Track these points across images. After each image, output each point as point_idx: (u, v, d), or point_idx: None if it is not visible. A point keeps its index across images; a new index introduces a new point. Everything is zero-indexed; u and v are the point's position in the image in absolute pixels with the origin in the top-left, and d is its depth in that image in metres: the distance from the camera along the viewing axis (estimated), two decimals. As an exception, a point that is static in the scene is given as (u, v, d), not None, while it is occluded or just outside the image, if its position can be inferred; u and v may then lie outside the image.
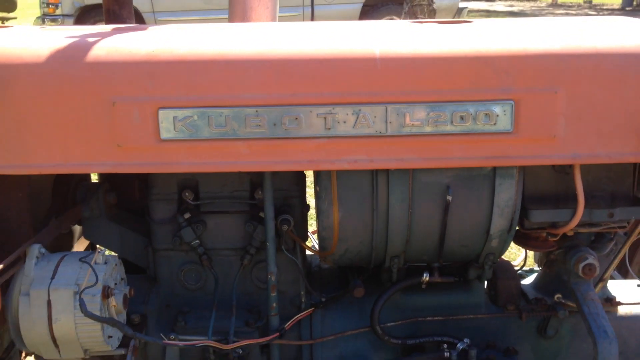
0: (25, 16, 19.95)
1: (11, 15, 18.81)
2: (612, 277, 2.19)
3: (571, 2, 28.72)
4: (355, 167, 1.56)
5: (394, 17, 13.69)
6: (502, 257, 2.14)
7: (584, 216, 1.67)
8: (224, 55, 1.54)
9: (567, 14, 24.22)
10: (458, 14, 12.51)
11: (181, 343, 1.62)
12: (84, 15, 13.04)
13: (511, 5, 28.40)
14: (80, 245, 2.09)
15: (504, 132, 1.53)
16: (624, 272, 2.31)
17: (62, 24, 12.75)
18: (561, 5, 28.17)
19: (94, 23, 12.66)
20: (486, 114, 1.52)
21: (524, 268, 2.11)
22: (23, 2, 20.76)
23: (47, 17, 13.33)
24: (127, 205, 1.99)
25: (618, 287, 2.00)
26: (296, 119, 1.52)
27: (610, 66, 1.51)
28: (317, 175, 1.66)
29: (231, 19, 2.25)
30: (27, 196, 1.70)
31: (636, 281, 2.12)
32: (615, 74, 1.51)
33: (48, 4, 13.37)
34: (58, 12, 13.29)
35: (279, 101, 1.52)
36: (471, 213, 1.66)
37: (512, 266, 1.98)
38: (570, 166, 1.63)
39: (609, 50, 1.52)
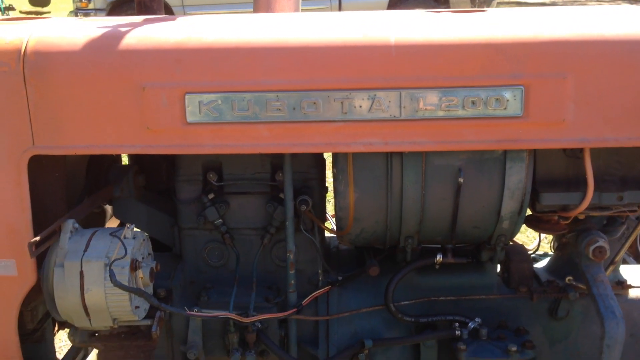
0: (58, 10, 20.29)
1: (45, 10, 19.20)
2: (625, 262, 2.23)
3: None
4: (371, 150, 1.64)
5: (421, 7, 13.64)
6: (517, 241, 2.21)
7: (594, 199, 1.72)
8: (246, 43, 1.62)
9: (599, 4, 23.84)
10: (487, 4, 12.42)
11: (204, 315, 1.72)
12: (115, 9, 13.27)
13: (544, -5, 28.06)
14: (112, 224, 2.20)
15: (514, 116, 1.59)
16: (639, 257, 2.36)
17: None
18: (594, -4, 27.73)
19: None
20: (497, 99, 1.58)
21: (538, 252, 2.16)
22: (58, -3, 21.13)
23: (80, 11, 13.60)
24: (155, 186, 2.09)
25: (630, 271, 2.04)
26: (314, 103, 1.60)
27: (618, 52, 1.56)
28: (335, 157, 1.74)
29: (256, 10, 2.33)
30: (64, 176, 1.81)
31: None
32: (624, 60, 1.56)
33: (81, -1, 13.57)
34: (90, 6, 13.54)
35: (298, 87, 1.60)
36: (482, 195, 1.73)
37: (525, 249, 2.04)
38: (581, 150, 1.68)
39: (618, 37, 1.57)
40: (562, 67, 1.57)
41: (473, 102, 1.58)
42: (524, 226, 1.89)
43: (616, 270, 2.00)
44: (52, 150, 1.66)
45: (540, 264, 2.10)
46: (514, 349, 1.78)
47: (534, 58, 1.57)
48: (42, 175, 1.74)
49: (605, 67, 1.56)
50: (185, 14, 12.66)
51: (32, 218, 1.68)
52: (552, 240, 2.07)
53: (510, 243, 2.11)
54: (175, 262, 1.95)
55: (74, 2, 14.10)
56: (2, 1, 17.99)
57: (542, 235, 2.23)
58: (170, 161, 1.94)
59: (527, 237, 3.67)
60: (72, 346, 2.10)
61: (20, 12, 20.06)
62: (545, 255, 2.18)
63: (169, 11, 12.56)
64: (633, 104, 1.57)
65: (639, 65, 1.56)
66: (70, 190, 1.85)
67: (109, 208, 2.15)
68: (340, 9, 13.26)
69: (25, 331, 1.86)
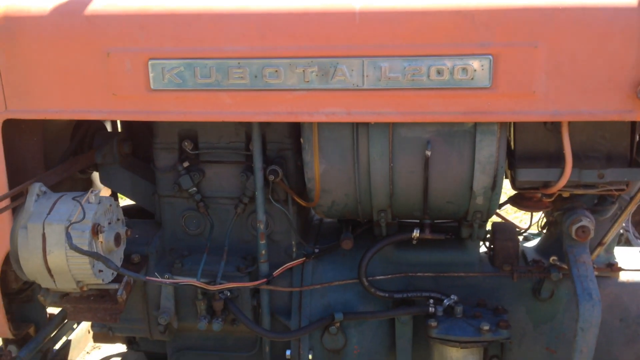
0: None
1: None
2: (629, 243, 2.12)
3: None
4: (333, 119, 1.60)
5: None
6: (512, 220, 2.12)
7: (573, 176, 1.63)
8: (209, 10, 1.60)
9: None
10: None
11: (167, 281, 1.73)
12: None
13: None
14: (103, 192, 2.24)
15: (482, 87, 1.52)
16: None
17: None
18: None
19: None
20: (464, 69, 1.51)
21: (532, 231, 2.07)
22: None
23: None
24: (144, 154, 2.10)
25: (625, 253, 1.93)
26: (276, 71, 1.57)
27: (593, 20, 1.46)
28: (302, 127, 1.70)
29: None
30: (41, 140, 1.85)
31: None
32: (599, 29, 1.46)
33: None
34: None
35: (259, 54, 1.57)
36: (452, 169, 1.66)
37: (513, 228, 1.96)
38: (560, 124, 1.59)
39: (593, 4, 1.46)
40: (533, 36, 1.48)
41: (438, 72, 1.52)
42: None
43: (609, 252, 1.90)
44: (24, 114, 1.69)
45: (532, 244, 2.02)
46: (487, 327, 1.72)
47: (503, 26, 1.49)
48: (18, 139, 1.78)
49: (580, 36, 1.46)
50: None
51: (9, 181, 1.73)
52: (540, 219, 1.98)
53: (501, 220, 2.05)
54: (156, 230, 1.97)
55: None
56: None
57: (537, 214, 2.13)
58: (149, 128, 1.95)
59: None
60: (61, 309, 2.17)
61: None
62: (539, 234, 2.09)
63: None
64: (610, 75, 1.47)
65: (617, 34, 1.45)
66: (51, 154, 1.89)
67: (96, 176, 2.19)
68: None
69: (9, 291, 1.93)
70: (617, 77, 1.47)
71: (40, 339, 2.02)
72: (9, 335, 1.95)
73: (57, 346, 2.23)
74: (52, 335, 2.14)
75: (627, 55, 1.45)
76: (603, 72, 1.47)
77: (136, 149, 2.07)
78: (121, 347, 2.34)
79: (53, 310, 2.16)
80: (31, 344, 1.98)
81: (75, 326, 2.37)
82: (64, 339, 2.27)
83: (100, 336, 2.35)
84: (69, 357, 2.25)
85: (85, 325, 2.37)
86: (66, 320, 2.23)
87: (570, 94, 1.50)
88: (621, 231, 2.22)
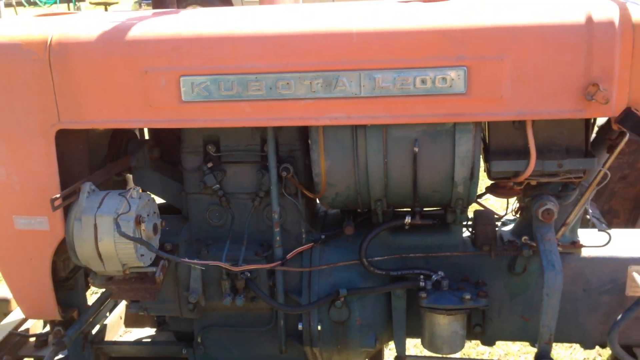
0: (126, 1, 21.10)
1: (112, 0, 20.03)
2: (594, 225, 2.42)
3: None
4: (336, 123, 1.91)
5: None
6: (492, 208, 2.44)
7: (537, 166, 1.95)
8: (230, 34, 1.91)
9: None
10: None
11: (198, 262, 2.04)
12: (178, -3, 13.64)
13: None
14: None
15: (459, 93, 1.83)
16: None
17: (157, 6, 13.48)
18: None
19: (186, 6, 13.39)
20: (443, 78, 1.82)
21: (508, 217, 2.38)
22: (123, -13, 21.94)
23: (144, 1, 14.19)
24: (170, 158, 2.41)
25: (587, 234, 2.24)
26: (287, 84, 1.88)
27: (549, 36, 1.78)
28: (309, 130, 2.02)
29: (261, 1, 2.62)
30: (86, 147, 2.16)
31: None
32: (554, 43, 1.78)
33: (145, -11, 14.10)
34: (153, -5, 13.90)
35: (274, 70, 1.88)
36: (437, 163, 1.98)
37: (492, 214, 2.27)
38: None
39: (548, 23, 1.78)
40: (499, 50, 1.80)
41: (423, 81, 1.83)
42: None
43: (573, 232, 2.21)
44: (74, 125, 2.00)
45: (508, 227, 2.33)
46: (468, 297, 2.03)
47: (475, 43, 1.81)
48: (68, 147, 2.08)
49: (538, 50, 1.78)
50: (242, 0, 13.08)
51: (60, 182, 2.03)
52: (514, 205, 2.30)
53: (482, 208, 2.36)
54: (183, 223, 2.27)
55: (137, -8, 14.64)
56: (72, -8, 18.83)
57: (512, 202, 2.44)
58: (178, 136, 2.26)
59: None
60: (100, 295, 2.47)
61: (90, 2, 20.92)
62: (514, 220, 2.40)
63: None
64: (563, 81, 1.79)
65: (569, 48, 1.77)
66: (93, 159, 2.20)
67: (130, 177, 2.49)
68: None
69: (58, 278, 2.23)
70: (569, 83, 1.79)
71: (82, 321, 2.32)
72: (58, 318, 2.25)
73: (95, 330, 2.53)
74: (91, 319, 2.44)
75: (577, 65, 1.77)
76: (558, 79, 1.79)
77: (164, 154, 2.37)
78: (150, 331, 2.63)
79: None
80: (76, 325, 2.27)
81: (108, 314, 2.67)
82: (100, 323, 2.57)
83: (132, 320, 2.66)
84: (105, 339, 2.55)
85: (118, 312, 2.67)
86: (103, 307, 2.54)
87: (532, 97, 1.82)
88: (588, 217, 2.53)
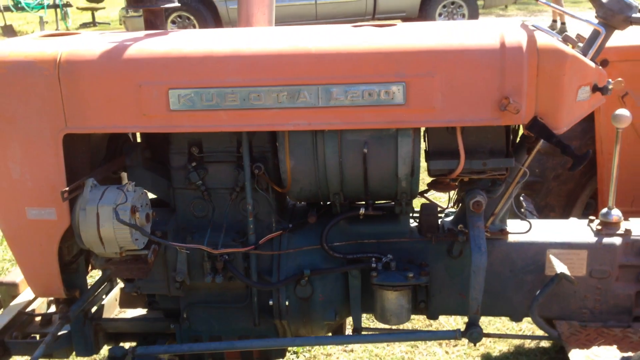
0: (112, 6, 21.40)
1: (100, 5, 20.36)
2: (524, 215, 2.82)
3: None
4: (298, 129, 2.29)
5: (452, 5, 14.21)
6: (437, 202, 2.82)
7: (466, 165, 2.34)
8: (210, 53, 2.29)
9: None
10: None
11: (182, 245, 2.41)
12: (164, 5, 13.98)
13: None
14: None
15: (399, 104, 2.21)
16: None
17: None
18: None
19: (170, 14, 13.76)
20: (386, 92, 2.21)
21: (451, 210, 2.77)
22: (111, -7, 22.22)
23: (131, 7, 14.46)
24: (159, 158, 2.77)
25: (515, 223, 2.64)
26: (258, 95, 2.25)
27: (471, 58, 2.17)
28: (277, 135, 2.40)
29: (239, 24, 3.01)
30: (89, 149, 2.53)
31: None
32: (475, 64, 2.17)
33: (132, -5, 14.32)
34: (141, 2, 14.21)
35: (247, 84, 2.25)
36: (383, 162, 2.36)
37: (435, 207, 2.65)
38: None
39: (471, 47, 2.18)
40: (431, 69, 2.18)
41: (370, 94, 2.21)
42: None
43: (502, 221, 2.59)
44: (78, 130, 2.36)
45: (449, 218, 2.71)
46: (411, 275, 2.41)
47: (411, 62, 2.19)
48: (73, 149, 2.44)
49: (462, 69, 2.17)
50: (227, 8, 13.48)
51: (66, 178, 2.40)
52: (452, 198, 2.69)
53: (427, 201, 2.75)
54: (171, 214, 2.64)
55: (125, -1, 14.91)
56: (60, -2, 19.09)
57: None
58: (167, 139, 2.63)
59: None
60: (97, 279, 2.84)
61: (77, 7, 21.13)
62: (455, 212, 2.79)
63: (212, 6, 13.41)
64: (481, 95, 2.18)
65: (484, 67, 2.16)
66: (94, 159, 2.57)
67: (124, 175, 2.86)
68: (375, 2, 13.84)
69: (63, 262, 2.59)
70: (487, 96, 2.17)
71: (84, 299, 2.68)
72: (63, 296, 2.60)
73: (94, 309, 2.89)
74: (90, 299, 2.80)
75: (493, 81, 2.16)
76: (478, 93, 2.18)
77: (154, 154, 2.74)
78: (141, 311, 2.99)
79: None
80: (78, 302, 2.63)
81: (104, 296, 3.03)
82: (98, 303, 2.93)
83: (126, 301, 3.02)
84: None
85: (114, 294, 3.03)
86: (101, 289, 2.90)
87: (459, 107, 2.20)
88: (522, 210, 2.94)
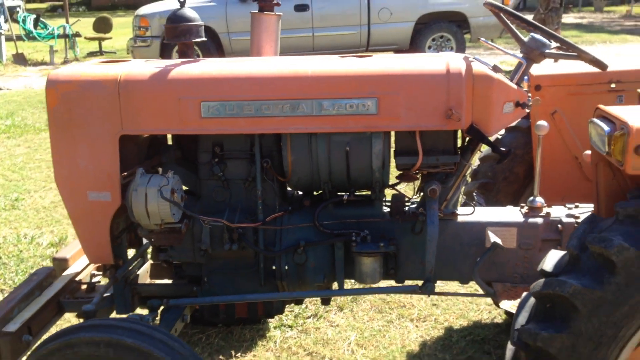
0: (117, 36, 22.32)
1: (107, 35, 21.29)
2: (476, 204, 3.57)
3: (645, 13, 29.01)
4: (297, 132, 3.05)
5: (444, 33, 15.08)
6: (406, 192, 3.58)
7: (424, 161, 3.10)
8: (231, 75, 3.07)
9: (635, 26, 24.71)
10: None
11: (208, 218, 3.15)
12: (169, 36, 14.83)
13: (582, 17, 29.02)
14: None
15: (373, 114, 2.98)
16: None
17: (151, 45, 14.81)
18: (634, 17, 28.50)
19: (175, 45, 14.63)
20: (363, 105, 2.97)
21: (416, 199, 3.52)
22: (117, 24, 23.14)
23: (139, 38, 15.38)
24: (188, 156, 3.52)
25: (463, 208, 3.40)
26: (268, 107, 3.02)
27: (425, 80, 2.94)
28: (282, 137, 3.16)
29: (251, 53, 3.80)
30: (136, 147, 3.29)
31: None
32: (428, 84, 2.94)
33: (140, 27, 15.32)
34: (148, 34, 15.18)
35: (259, 98, 3.01)
36: (361, 158, 3.11)
37: (403, 196, 3.40)
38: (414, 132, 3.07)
39: (426, 71, 2.96)
40: (396, 88, 2.95)
41: (351, 106, 2.98)
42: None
43: (454, 206, 3.34)
44: (132, 132, 3.11)
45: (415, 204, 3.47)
46: (382, 245, 3.16)
47: (382, 83, 2.97)
48: (126, 147, 3.19)
49: (418, 88, 2.94)
50: (230, 39, 14.34)
51: (120, 169, 3.15)
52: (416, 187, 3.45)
53: (395, 192, 3.50)
54: (197, 199, 3.39)
55: (133, 30, 15.86)
56: (70, 28, 20.04)
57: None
58: (195, 140, 3.38)
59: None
60: (135, 253, 3.58)
61: (85, 37, 22.01)
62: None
63: (215, 36, 14.28)
64: (433, 107, 2.95)
65: (435, 87, 2.93)
66: (141, 155, 3.34)
67: (160, 170, 3.60)
68: (369, 36, 14.75)
69: (112, 236, 3.33)
70: (436, 108, 2.93)
71: (126, 267, 3.42)
72: (111, 262, 3.31)
73: (131, 277, 3.62)
74: (130, 268, 3.54)
75: (441, 97, 2.91)
76: (431, 106, 2.93)
77: (183, 153, 3.50)
78: (168, 282, 3.73)
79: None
80: (123, 268, 3.37)
81: (137, 270, 3.76)
82: (134, 274, 3.67)
83: (155, 273, 3.75)
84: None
85: (146, 267, 3.77)
86: (137, 261, 3.64)
87: (417, 116, 2.96)
88: (474, 202, 3.70)
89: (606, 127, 2.40)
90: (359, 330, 4.41)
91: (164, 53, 14.31)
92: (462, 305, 4.65)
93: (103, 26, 21.29)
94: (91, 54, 20.41)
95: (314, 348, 4.23)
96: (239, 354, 4.14)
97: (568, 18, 27.30)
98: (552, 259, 2.58)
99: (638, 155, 2.26)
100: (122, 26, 23.41)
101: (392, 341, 4.28)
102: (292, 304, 4.26)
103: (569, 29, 18.51)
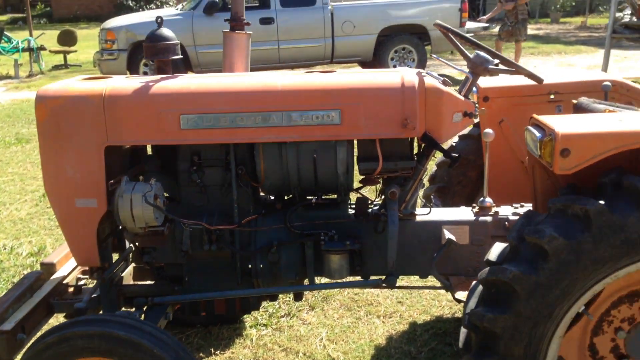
0: (82, 48, 22.34)
1: (72, 49, 21.32)
2: (432, 205, 3.92)
3: (599, 24, 30.02)
4: (268, 141, 3.37)
5: (406, 45, 15.55)
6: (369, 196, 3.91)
7: (384, 166, 3.44)
8: (208, 90, 3.37)
9: (590, 37, 25.60)
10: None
11: (189, 221, 3.44)
12: (135, 50, 15.11)
13: (539, 29, 29.90)
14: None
15: (337, 124, 3.31)
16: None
17: (118, 58, 14.99)
18: (589, 28, 29.50)
19: (143, 58, 14.86)
20: (328, 115, 3.30)
21: (378, 202, 3.86)
22: (87, 36, 23.15)
23: (105, 51, 15.52)
24: (167, 165, 3.80)
25: (422, 210, 3.74)
26: (242, 118, 3.33)
27: (383, 93, 3.28)
28: (255, 145, 3.47)
29: (224, 69, 4.11)
30: (120, 157, 3.57)
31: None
32: (386, 96, 3.27)
33: (106, 40, 15.47)
34: (114, 47, 15.35)
35: (233, 111, 3.32)
36: (327, 164, 3.43)
37: (366, 199, 3.72)
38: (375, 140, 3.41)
39: (383, 85, 3.30)
40: (357, 100, 3.29)
41: (317, 117, 3.31)
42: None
43: (412, 207, 3.68)
44: (116, 143, 3.39)
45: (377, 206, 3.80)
46: (348, 243, 3.49)
47: (344, 96, 3.30)
48: (111, 156, 3.47)
49: (377, 100, 3.28)
50: (197, 52, 14.59)
51: (105, 177, 3.42)
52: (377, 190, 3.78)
53: (359, 195, 3.84)
54: (177, 205, 3.68)
55: (100, 43, 16.00)
56: (35, 41, 20.06)
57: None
58: (173, 150, 3.66)
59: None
60: (119, 257, 3.84)
61: (50, 51, 21.99)
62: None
63: (182, 49, 14.54)
64: (391, 117, 3.29)
65: (392, 99, 3.26)
66: (125, 164, 3.61)
67: (142, 178, 3.88)
68: (333, 48, 15.15)
69: (99, 240, 3.58)
70: (394, 118, 3.27)
71: (112, 269, 3.68)
72: (98, 264, 3.56)
73: (116, 279, 3.88)
74: (115, 270, 3.80)
75: (397, 108, 3.25)
76: (389, 116, 3.27)
77: (164, 162, 3.78)
78: (150, 283, 3.99)
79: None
80: (109, 270, 3.63)
81: (121, 273, 4.02)
82: (118, 276, 3.93)
83: (138, 276, 4.01)
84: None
85: (129, 270, 4.03)
86: (121, 264, 3.90)
87: (376, 126, 3.30)
88: (431, 203, 4.06)
89: (538, 134, 2.77)
90: (329, 327, 4.72)
91: (131, 66, 14.50)
92: (425, 302, 5.00)
93: (68, 39, 21.32)
94: (56, 67, 20.43)
95: (288, 344, 4.53)
96: (217, 352, 4.42)
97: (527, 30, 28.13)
98: (496, 250, 2.93)
99: (564, 158, 2.63)
100: (86, 39, 23.42)
101: (360, 336, 4.60)
102: (267, 302, 4.56)
103: (526, 40, 19.20)
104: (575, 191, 2.76)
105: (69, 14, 39.00)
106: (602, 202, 2.60)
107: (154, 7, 35.03)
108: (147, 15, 16.56)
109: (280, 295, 4.96)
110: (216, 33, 10.68)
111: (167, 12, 16.98)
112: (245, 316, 4.79)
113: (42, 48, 19.97)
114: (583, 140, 2.65)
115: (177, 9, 16.25)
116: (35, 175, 8.64)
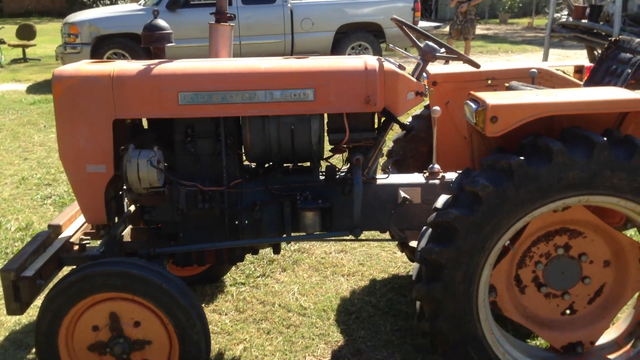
0: (42, 43, 22.42)
1: (31, 42, 21.42)
2: (388, 172, 4.62)
3: (544, 25, 31.34)
4: (253, 114, 4.00)
5: (362, 42, 16.30)
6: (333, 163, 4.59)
7: (350, 137, 4.11)
8: (202, 71, 3.99)
9: (535, 37, 26.81)
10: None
11: (185, 182, 4.04)
12: (98, 44, 15.47)
13: (488, 29, 31.09)
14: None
15: (311, 101, 3.97)
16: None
17: (81, 52, 15.31)
18: (535, 29, 30.81)
19: (106, 51, 15.18)
20: (304, 93, 3.95)
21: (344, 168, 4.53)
22: (41, 31, 23.17)
23: (68, 45, 15.80)
24: (163, 137, 4.39)
25: (382, 176, 4.44)
26: (231, 96, 3.95)
27: (349, 75, 3.95)
28: (242, 119, 4.11)
29: (210, 55, 4.73)
30: (125, 129, 4.15)
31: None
32: (352, 78, 3.94)
33: (69, 34, 15.75)
34: (78, 41, 15.64)
35: (224, 89, 3.94)
36: (303, 135, 4.07)
37: (334, 167, 4.39)
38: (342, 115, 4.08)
39: (349, 68, 3.97)
40: (327, 81, 3.95)
41: (295, 95, 3.96)
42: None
43: (374, 173, 4.36)
44: (123, 116, 3.98)
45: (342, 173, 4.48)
46: (320, 201, 4.15)
47: (317, 78, 3.96)
48: (118, 128, 4.05)
49: (344, 81, 3.94)
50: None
51: (113, 146, 4.01)
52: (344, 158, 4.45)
53: (329, 164, 4.50)
54: (174, 171, 4.29)
55: (62, 37, 16.25)
56: (-6, 36, 20.07)
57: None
58: (169, 124, 4.26)
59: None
60: (122, 216, 4.43)
61: (9, 45, 22.06)
62: (347, 170, 4.56)
63: (145, 45, 14.86)
64: (356, 95, 3.95)
65: (356, 80, 3.94)
66: (129, 134, 4.20)
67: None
68: (292, 44, 15.81)
69: (106, 202, 4.16)
70: (359, 96, 3.93)
71: (117, 226, 4.27)
72: (105, 222, 4.15)
73: (118, 237, 4.46)
74: (119, 228, 4.38)
75: (361, 87, 3.91)
76: (354, 94, 3.94)
77: (159, 135, 4.37)
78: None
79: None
80: (115, 226, 4.21)
81: (122, 233, 4.59)
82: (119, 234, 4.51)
83: (135, 236, 4.59)
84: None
85: (127, 232, 4.61)
86: (123, 224, 4.48)
87: (344, 102, 3.94)
88: (389, 171, 4.76)
89: (474, 105, 3.49)
90: (300, 285, 5.39)
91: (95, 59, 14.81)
92: (384, 263, 5.71)
93: (27, 33, 21.39)
94: (15, 61, 20.50)
95: (265, 298, 5.18)
96: (202, 305, 5.03)
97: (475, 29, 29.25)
98: (441, 199, 3.64)
99: (493, 123, 3.35)
100: (40, 33, 23.46)
101: (328, 291, 5.29)
102: (244, 264, 5.18)
103: (475, 40, 20.21)
104: (502, 151, 3.49)
105: (20, 9, 38.57)
106: (522, 158, 3.34)
107: (108, 2, 34.95)
108: (110, 10, 16.90)
109: (256, 258, 5.61)
110: (179, 28, 11.19)
111: (130, 7, 17.33)
112: (224, 276, 5.42)
113: (1, 42, 20.03)
114: (508, 110, 3.38)
115: (139, 4, 16.64)
116: (12, 161, 9.05)
